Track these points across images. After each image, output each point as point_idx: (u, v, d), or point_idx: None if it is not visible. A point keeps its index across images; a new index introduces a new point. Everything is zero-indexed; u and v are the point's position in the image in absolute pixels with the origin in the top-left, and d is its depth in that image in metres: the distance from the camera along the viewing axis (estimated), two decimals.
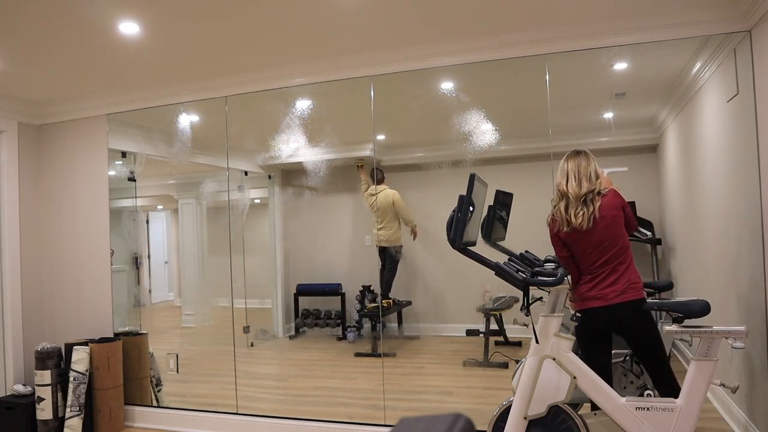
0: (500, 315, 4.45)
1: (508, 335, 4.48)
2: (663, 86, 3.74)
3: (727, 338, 2.32)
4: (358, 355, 4.84)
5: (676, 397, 2.46)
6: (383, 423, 3.55)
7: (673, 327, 2.40)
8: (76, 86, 3.97)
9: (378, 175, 4.76)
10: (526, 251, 3.03)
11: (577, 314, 2.81)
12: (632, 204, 4.08)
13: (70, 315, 4.32)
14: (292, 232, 5.46)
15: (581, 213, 2.56)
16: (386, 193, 4.82)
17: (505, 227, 2.97)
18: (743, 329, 2.29)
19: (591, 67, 3.36)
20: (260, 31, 3.11)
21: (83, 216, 4.31)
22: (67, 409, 3.78)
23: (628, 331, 2.59)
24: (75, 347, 3.87)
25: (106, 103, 4.21)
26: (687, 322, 2.44)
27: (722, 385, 2.37)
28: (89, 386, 3.90)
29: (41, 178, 4.46)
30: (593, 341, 2.70)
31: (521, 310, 2.47)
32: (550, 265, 2.84)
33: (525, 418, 2.53)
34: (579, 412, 2.59)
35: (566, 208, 2.59)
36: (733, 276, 3.12)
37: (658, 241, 4.01)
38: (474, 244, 2.64)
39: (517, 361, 3.35)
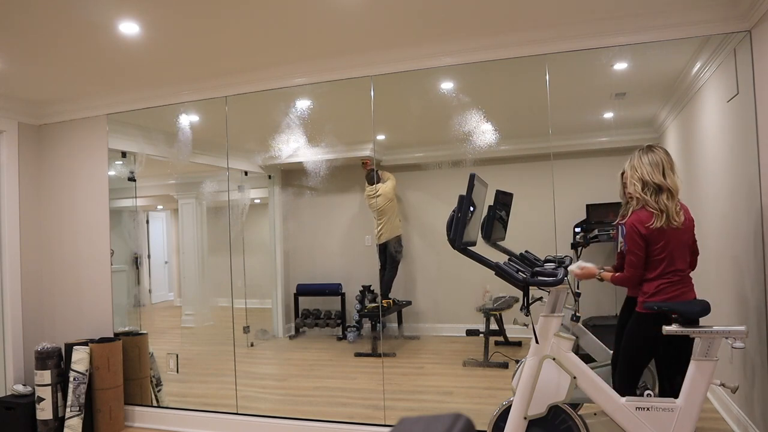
0: (500, 315, 4.45)
1: (508, 335, 4.48)
2: (663, 86, 3.74)
3: (727, 338, 2.32)
4: (358, 355, 4.84)
5: None
6: (383, 423, 3.55)
7: (673, 327, 2.40)
8: (76, 86, 3.97)
9: (369, 178, 4.78)
10: (526, 251, 3.03)
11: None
12: None
13: (70, 315, 4.32)
14: (292, 232, 5.46)
15: (681, 211, 2.56)
16: (385, 190, 4.82)
17: (505, 227, 2.97)
18: (743, 329, 2.29)
19: (591, 67, 3.36)
20: (260, 31, 3.11)
21: (83, 216, 4.31)
22: (67, 409, 3.78)
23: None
24: (75, 347, 3.86)
25: (106, 103, 4.21)
26: None
27: (722, 385, 2.37)
28: (89, 386, 3.89)
29: (41, 178, 4.46)
30: (653, 346, 2.63)
31: (521, 310, 2.46)
32: (550, 265, 2.84)
33: (525, 418, 2.53)
34: (579, 412, 2.59)
35: (668, 200, 2.52)
36: (733, 276, 3.12)
37: None
38: (474, 244, 2.63)
39: (517, 361, 3.35)
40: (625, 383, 2.62)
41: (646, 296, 2.61)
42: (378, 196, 4.81)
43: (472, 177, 2.56)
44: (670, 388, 2.67)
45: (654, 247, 2.56)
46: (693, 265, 2.71)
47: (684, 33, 3.00)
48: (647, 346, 2.64)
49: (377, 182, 4.78)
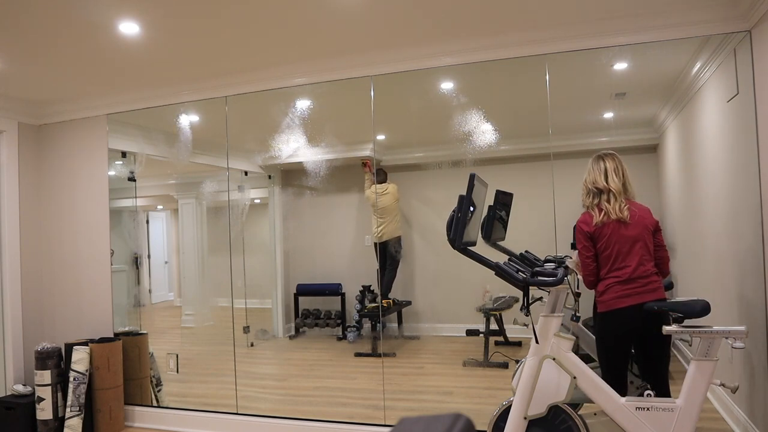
0: (500, 315, 4.44)
1: (508, 335, 4.48)
2: (663, 86, 3.74)
3: (727, 338, 2.32)
4: (358, 355, 4.84)
5: None
6: (383, 423, 3.55)
7: (673, 327, 2.40)
8: (76, 86, 3.97)
9: (381, 176, 4.78)
10: (526, 251, 3.03)
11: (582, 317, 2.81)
12: None
13: (70, 315, 4.32)
14: (292, 232, 5.46)
15: (626, 207, 2.63)
16: (393, 189, 4.84)
17: (505, 227, 2.97)
18: (743, 329, 2.29)
19: (591, 67, 3.36)
20: (260, 31, 3.11)
21: (83, 216, 4.31)
22: (67, 409, 3.78)
23: (655, 331, 2.59)
24: (75, 347, 3.86)
25: (106, 103, 4.21)
26: (687, 322, 2.44)
27: (722, 385, 2.37)
28: (89, 386, 3.89)
29: (41, 178, 4.46)
30: (620, 345, 2.66)
31: (521, 310, 2.46)
32: (550, 265, 2.84)
33: (525, 418, 2.53)
34: (579, 412, 2.59)
35: (608, 201, 2.64)
36: (733, 276, 3.12)
37: None
38: (474, 244, 2.64)
39: (517, 361, 3.35)
40: (613, 387, 2.62)
41: (598, 295, 2.67)
42: (386, 193, 4.82)
43: (472, 177, 2.56)
44: (658, 387, 2.68)
45: (598, 244, 2.66)
46: (662, 271, 2.72)
47: (684, 33, 3.00)
48: (618, 345, 2.66)
49: (382, 182, 4.79)
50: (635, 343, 2.71)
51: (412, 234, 5.01)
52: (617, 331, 2.62)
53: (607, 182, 2.67)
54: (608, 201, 2.65)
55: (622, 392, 2.60)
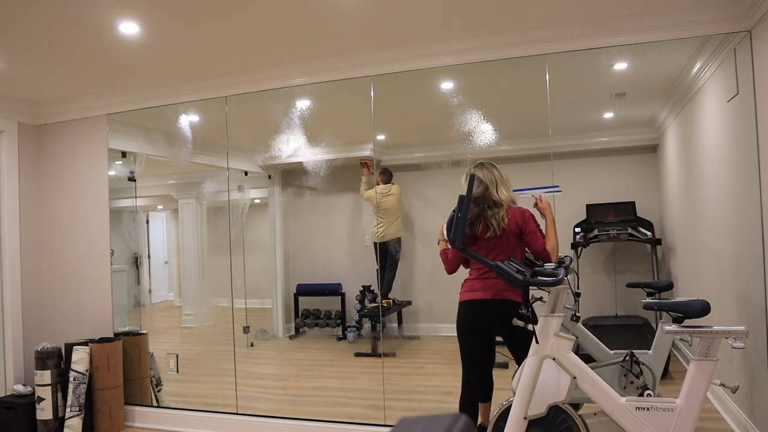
0: None
1: None
2: (663, 86, 3.74)
3: (727, 338, 2.32)
4: (358, 355, 4.84)
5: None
6: (383, 423, 3.55)
7: (673, 327, 2.40)
8: (76, 86, 3.97)
9: (386, 176, 4.79)
10: (526, 251, 3.03)
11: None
12: (632, 204, 4.08)
13: (70, 315, 4.32)
14: (292, 232, 5.47)
15: (505, 220, 2.76)
16: (397, 191, 4.85)
17: None
18: (743, 329, 2.29)
19: (591, 67, 3.36)
20: (260, 31, 3.11)
21: (83, 216, 4.31)
22: (67, 409, 3.78)
23: (502, 328, 2.81)
24: (75, 347, 3.86)
25: (106, 103, 4.21)
26: (687, 322, 2.44)
27: (722, 385, 2.37)
28: (89, 386, 3.90)
29: (41, 178, 4.46)
30: (467, 336, 2.84)
31: (521, 310, 2.46)
32: (549, 265, 2.84)
33: (525, 418, 2.53)
34: (579, 412, 2.59)
35: (495, 215, 2.75)
36: (733, 276, 3.12)
37: (658, 241, 4.01)
38: None
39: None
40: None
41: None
42: (390, 195, 4.83)
43: (472, 177, 2.57)
44: (486, 379, 2.88)
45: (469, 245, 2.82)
46: (540, 256, 2.87)
47: (684, 33, 2.99)
48: (465, 336, 2.88)
49: (386, 182, 4.81)
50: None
51: (412, 234, 5.02)
52: (464, 322, 2.83)
53: (498, 194, 2.78)
54: (495, 214, 2.75)
55: (485, 391, 2.81)
